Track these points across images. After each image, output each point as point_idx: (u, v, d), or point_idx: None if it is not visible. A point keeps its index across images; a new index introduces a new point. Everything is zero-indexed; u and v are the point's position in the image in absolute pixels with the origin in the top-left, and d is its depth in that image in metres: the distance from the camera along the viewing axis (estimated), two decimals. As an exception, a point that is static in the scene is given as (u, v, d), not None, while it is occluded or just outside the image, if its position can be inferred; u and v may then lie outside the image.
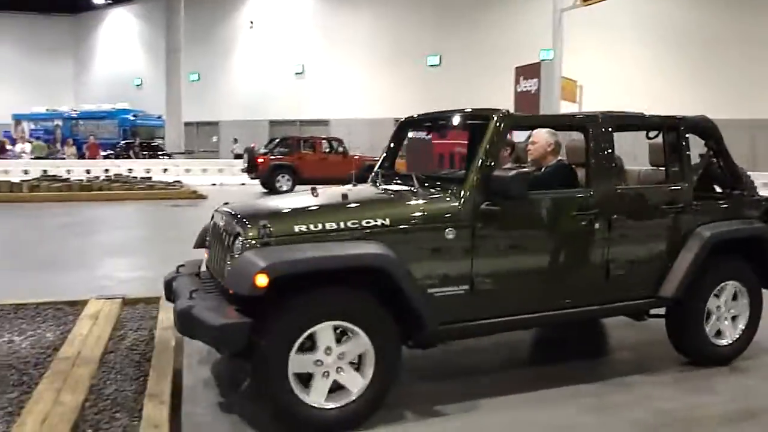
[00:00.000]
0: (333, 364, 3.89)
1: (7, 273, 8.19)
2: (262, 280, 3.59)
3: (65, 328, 5.33)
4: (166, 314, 5.28)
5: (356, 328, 3.89)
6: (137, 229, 13.35)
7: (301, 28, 34.54)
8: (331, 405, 3.91)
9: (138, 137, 32.14)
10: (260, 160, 20.94)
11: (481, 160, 4.37)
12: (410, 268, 4.04)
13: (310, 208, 4.37)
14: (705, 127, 5.39)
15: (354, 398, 3.94)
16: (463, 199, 4.27)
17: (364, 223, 4.02)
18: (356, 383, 3.94)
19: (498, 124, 4.45)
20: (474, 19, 29.68)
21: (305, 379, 3.89)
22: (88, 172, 22.70)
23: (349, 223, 4.00)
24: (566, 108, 18.81)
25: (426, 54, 31.07)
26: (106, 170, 22.91)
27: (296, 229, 3.93)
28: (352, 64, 32.52)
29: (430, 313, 4.06)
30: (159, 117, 33.54)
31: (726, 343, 5.20)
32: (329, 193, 4.67)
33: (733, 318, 5.24)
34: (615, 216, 4.70)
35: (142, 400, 4.07)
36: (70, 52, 44.43)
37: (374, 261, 3.90)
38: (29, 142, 29.34)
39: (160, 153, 30.06)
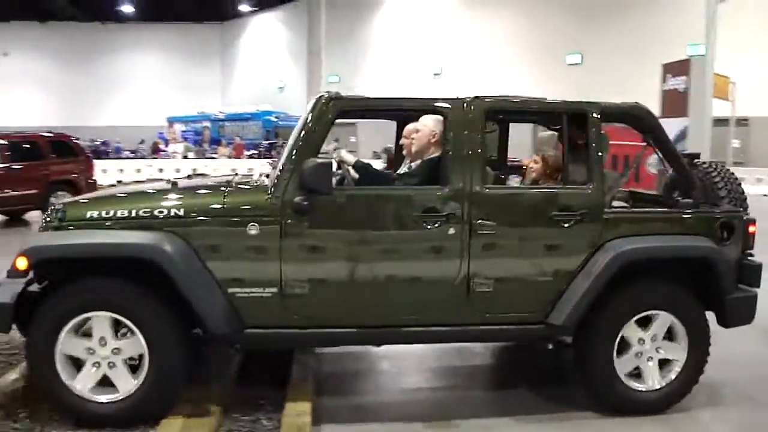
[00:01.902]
0: (106, 358, 3.72)
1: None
2: (21, 263, 3.59)
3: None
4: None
5: (131, 324, 3.68)
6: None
7: (438, 28, 34.53)
8: (101, 398, 3.75)
9: (280, 138, 33.27)
10: (397, 160, 21.11)
11: (296, 147, 3.86)
12: (208, 263, 3.71)
13: (115, 195, 4.23)
14: (637, 117, 4.41)
15: (122, 397, 3.74)
16: (271, 192, 3.81)
17: (156, 212, 3.77)
18: (125, 383, 3.74)
19: (324, 105, 3.91)
20: (617, 16, 28.60)
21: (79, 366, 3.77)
22: (233, 170, 23.70)
23: (141, 212, 3.78)
24: (719, 107, 17.75)
25: (566, 53, 30.26)
26: (250, 168, 23.84)
27: (88, 215, 3.81)
28: (490, 64, 32.14)
29: (220, 314, 3.71)
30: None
31: (650, 388, 4.21)
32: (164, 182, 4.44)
33: (665, 357, 4.23)
34: (479, 221, 3.93)
35: (285, 389, 4.20)
36: (217, 58, 46.65)
37: (137, 252, 3.64)
38: (180, 143, 31.12)
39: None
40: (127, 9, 42.79)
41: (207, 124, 36.97)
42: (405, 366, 5.21)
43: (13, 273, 3.67)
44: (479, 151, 4.02)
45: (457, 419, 4.17)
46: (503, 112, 4.63)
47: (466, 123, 4.01)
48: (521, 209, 4.08)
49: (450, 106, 4.04)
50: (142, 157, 29.92)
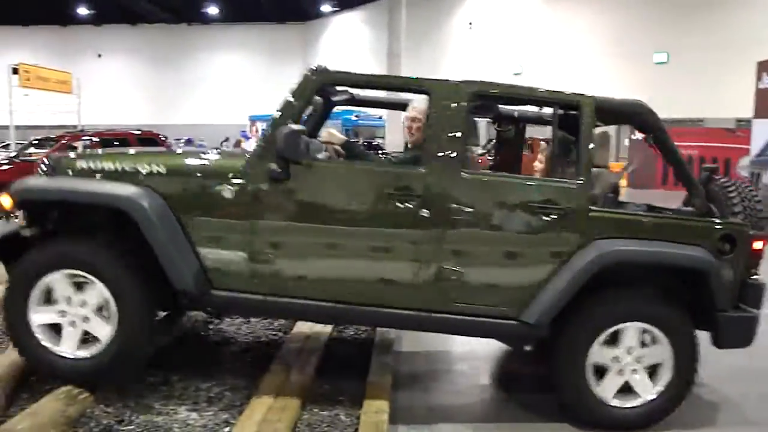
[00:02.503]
0: (78, 314, 3.83)
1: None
2: (5, 201, 3.89)
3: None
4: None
5: (91, 277, 3.78)
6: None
7: (519, 27, 34.14)
8: (85, 354, 3.86)
9: (360, 136, 33.58)
10: (479, 160, 21.13)
11: (278, 115, 3.92)
12: (183, 221, 3.82)
13: (108, 152, 4.44)
14: (637, 115, 4.15)
15: (103, 349, 3.82)
16: (249, 157, 3.89)
17: (139, 168, 3.91)
18: (104, 331, 3.84)
19: (307, 77, 3.99)
20: (704, 12, 27.60)
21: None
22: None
23: (126, 167, 3.93)
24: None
25: (652, 51, 29.40)
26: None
27: (79, 166, 4.00)
28: (572, 63, 31.55)
29: (188, 271, 3.76)
30: (380, 117, 34.76)
31: (629, 405, 3.94)
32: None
33: (650, 372, 3.97)
34: (454, 205, 3.80)
35: (363, 386, 4.24)
36: (299, 57, 47.33)
37: (111, 200, 3.80)
38: (262, 140, 31.86)
39: (380, 152, 31.12)
40: (212, 11, 44.00)
41: (288, 122, 37.74)
42: (484, 368, 5.17)
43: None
44: (461, 133, 3.94)
45: (534, 422, 4.12)
46: (491, 98, 4.51)
47: (450, 104, 3.95)
48: (500, 197, 3.92)
49: (435, 85, 4.03)
50: (225, 155, 30.69)
